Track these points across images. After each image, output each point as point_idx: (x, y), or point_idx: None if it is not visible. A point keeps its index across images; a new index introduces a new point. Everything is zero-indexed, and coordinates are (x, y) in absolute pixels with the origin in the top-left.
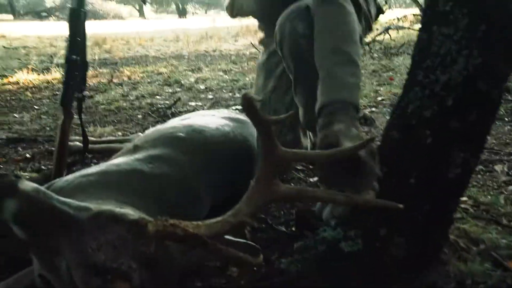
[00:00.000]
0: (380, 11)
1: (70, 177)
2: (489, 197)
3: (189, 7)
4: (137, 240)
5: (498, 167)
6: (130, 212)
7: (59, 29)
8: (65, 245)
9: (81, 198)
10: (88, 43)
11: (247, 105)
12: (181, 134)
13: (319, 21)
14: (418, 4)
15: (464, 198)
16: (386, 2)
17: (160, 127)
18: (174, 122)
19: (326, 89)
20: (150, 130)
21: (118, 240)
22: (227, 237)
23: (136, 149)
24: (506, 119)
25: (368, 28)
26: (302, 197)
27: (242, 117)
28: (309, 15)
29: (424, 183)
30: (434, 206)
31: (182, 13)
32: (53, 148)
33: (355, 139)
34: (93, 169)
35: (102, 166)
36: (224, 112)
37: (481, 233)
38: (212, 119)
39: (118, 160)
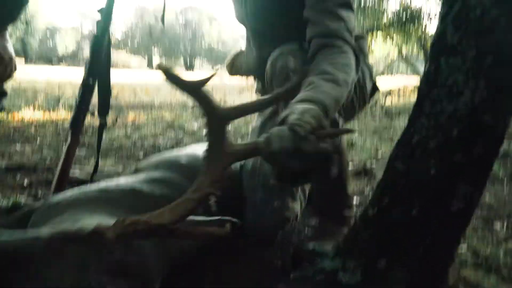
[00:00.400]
0: (375, 87)
1: (69, 192)
2: (489, 249)
3: (197, 62)
4: (99, 252)
5: (497, 224)
6: (90, 223)
7: (69, 74)
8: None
9: (73, 212)
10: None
11: (168, 74)
12: (182, 159)
13: (316, 58)
14: (418, 73)
15: (464, 248)
16: (388, 67)
17: (161, 153)
18: (176, 151)
19: (301, 93)
20: (152, 156)
21: (80, 259)
22: (199, 218)
23: (137, 171)
24: (505, 181)
25: (363, 101)
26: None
27: None
28: (301, 53)
29: (427, 215)
30: (435, 239)
31: (189, 67)
32: (50, 178)
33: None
34: (94, 186)
35: (102, 184)
36: None
37: (481, 280)
38: None
39: (118, 180)
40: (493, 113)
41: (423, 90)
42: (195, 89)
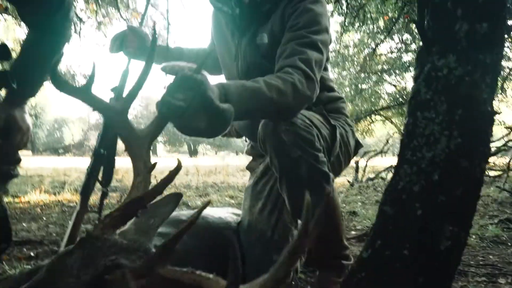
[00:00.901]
0: (358, 144)
1: None
2: None
3: (200, 148)
4: None
5: (501, 280)
6: None
7: (75, 163)
8: None
9: None
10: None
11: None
12: (184, 217)
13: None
14: None
15: None
16: (387, 143)
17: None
18: (181, 211)
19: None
20: None
21: None
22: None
23: None
24: (509, 243)
25: (348, 156)
26: None
27: None
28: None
29: (418, 255)
30: (428, 278)
31: (193, 153)
32: (56, 249)
33: None
34: None
35: None
36: (233, 209)
37: None
38: (217, 210)
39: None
40: (468, 157)
41: (404, 141)
42: None
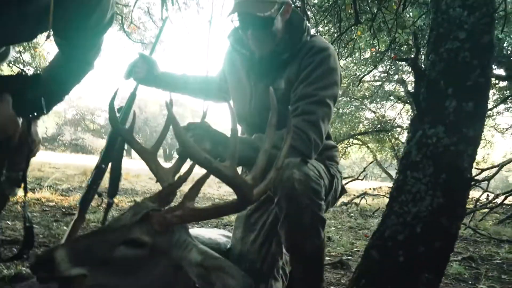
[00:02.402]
0: (343, 190)
1: None
2: None
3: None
4: None
5: None
6: None
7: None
8: None
9: None
10: (75, 172)
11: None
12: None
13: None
14: (392, 179)
15: None
16: (363, 171)
17: None
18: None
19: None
20: None
21: None
22: None
23: None
24: (470, 282)
25: (334, 200)
26: None
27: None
28: (303, 166)
29: None
30: None
31: (168, 157)
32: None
33: None
34: None
35: None
36: (222, 231)
37: None
38: (207, 231)
39: None
40: (448, 216)
41: (393, 194)
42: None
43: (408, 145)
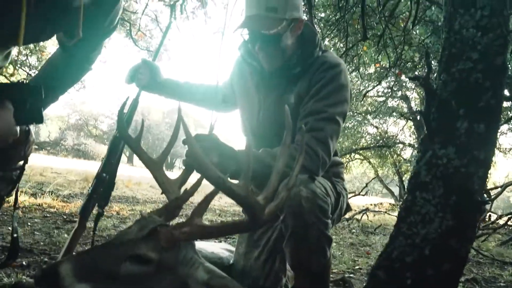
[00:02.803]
0: (348, 207)
1: None
2: None
3: (178, 162)
4: None
5: None
6: None
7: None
8: None
9: None
10: (77, 178)
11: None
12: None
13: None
14: (393, 195)
15: None
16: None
17: None
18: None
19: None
20: None
21: None
22: None
23: None
24: None
25: (339, 218)
26: None
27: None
28: (310, 183)
29: None
30: None
31: (169, 166)
32: (46, 260)
33: None
34: None
35: None
36: (224, 244)
37: None
38: (210, 245)
39: None
40: (457, 239)
41: (401, 215)
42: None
43: (417, 165)
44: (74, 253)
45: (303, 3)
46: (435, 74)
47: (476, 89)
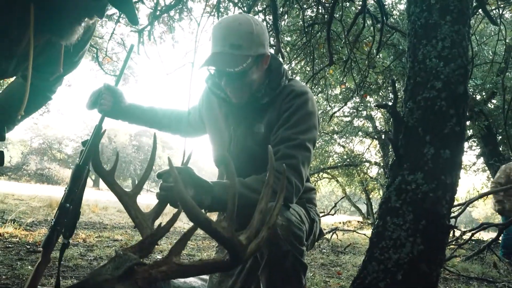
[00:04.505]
0: (321, 233)
1: None
2: None
3: (146, 185)
4: None
5: None
6: None
7: (11, 188)
8: None
9: None
10: (40, 205)
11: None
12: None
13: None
14: (361, 213)
15: None
16: (335, 206)
17: None
18: None
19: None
20: None
21: None
22: None
23: None
24: None
25: (312, 244)
26: None
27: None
28: (284, 210)
29: None
30: None
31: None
32: None
33: None
34: None
35: None
36: None
37: None
38: None
39: None
40: (427, 263)
41: (373, 240)
42: None
43: (387, 190)
44: None
45: (268, 33)
46: (402, 101)
47: (441, 116)
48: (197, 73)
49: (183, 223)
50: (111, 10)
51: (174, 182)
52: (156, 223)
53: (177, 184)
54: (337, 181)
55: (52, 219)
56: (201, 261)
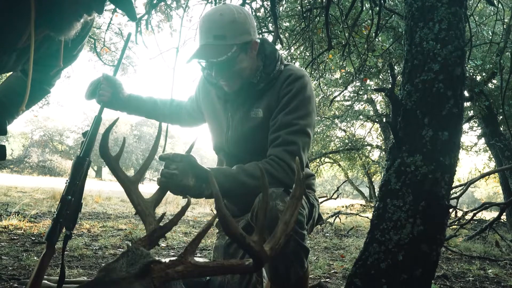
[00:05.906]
0: (320, 218)
1: None
2: None
3: (148, 174)
4: None
5: None
6: None
7: (14, 180)
8: None
9: None
10: (44, 196)
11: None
12: None
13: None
14: (363, 196)
15: None
16: (337, 190)
17: None
18: None
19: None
20: None
21: None
22: None
23: None
24: None
25: (311, 229)
26: None
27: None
28: (285, 196)
29: None
30: None
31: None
32: (16, 286)
33: None
34: None
35: None
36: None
37: None
38: None
39: None
40: (428, 243)
41: (374, 222)
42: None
43: (387, 173)
44: None
45: (255, 24)
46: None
47: (439, 98)
48: (186, 62)
49: (187, 211)
50: (110, 6)
51: (215, 199)
52: (160, 211)
53: (217, 202)
54: (339, 165)
55: (55, 212)
56: (218, 262)
